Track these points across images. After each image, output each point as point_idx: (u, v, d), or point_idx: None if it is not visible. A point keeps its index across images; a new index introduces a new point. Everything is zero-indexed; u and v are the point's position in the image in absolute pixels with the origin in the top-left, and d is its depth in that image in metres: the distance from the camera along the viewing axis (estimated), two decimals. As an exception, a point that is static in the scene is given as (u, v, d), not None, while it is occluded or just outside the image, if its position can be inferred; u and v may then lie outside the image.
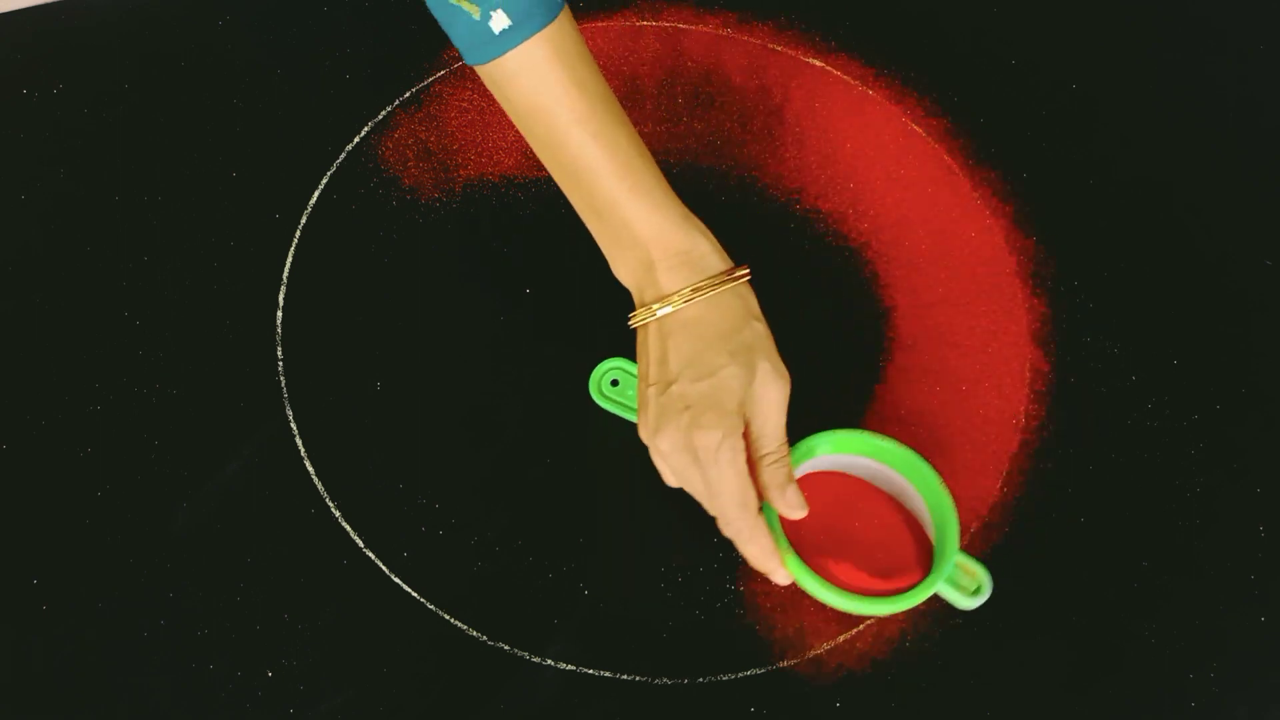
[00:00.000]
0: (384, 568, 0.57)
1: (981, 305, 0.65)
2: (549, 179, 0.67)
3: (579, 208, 0.56)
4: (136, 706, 0.53)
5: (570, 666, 0.55)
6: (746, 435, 0.52)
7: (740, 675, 0.55)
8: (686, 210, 0.54)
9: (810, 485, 0.56)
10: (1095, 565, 0.58)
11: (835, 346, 0.64)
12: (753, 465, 0.52)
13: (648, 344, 0.54)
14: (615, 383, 0.61)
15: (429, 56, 0.71)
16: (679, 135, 0.69)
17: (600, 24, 0.73)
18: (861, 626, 0.56)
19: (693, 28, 0.73)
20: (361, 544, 0.57)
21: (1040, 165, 0.70)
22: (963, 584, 0.53)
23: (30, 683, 0.54)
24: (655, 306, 0.53)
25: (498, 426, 0.61)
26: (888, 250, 0.66)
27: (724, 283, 0.53)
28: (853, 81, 0.72)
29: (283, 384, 0.61)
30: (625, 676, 0.55)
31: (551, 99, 0.52)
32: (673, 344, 0.52)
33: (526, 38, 0.50)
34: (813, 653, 0.56)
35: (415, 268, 0.65)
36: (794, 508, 0.53)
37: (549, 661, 0.55)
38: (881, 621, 0.56)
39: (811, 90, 0.71)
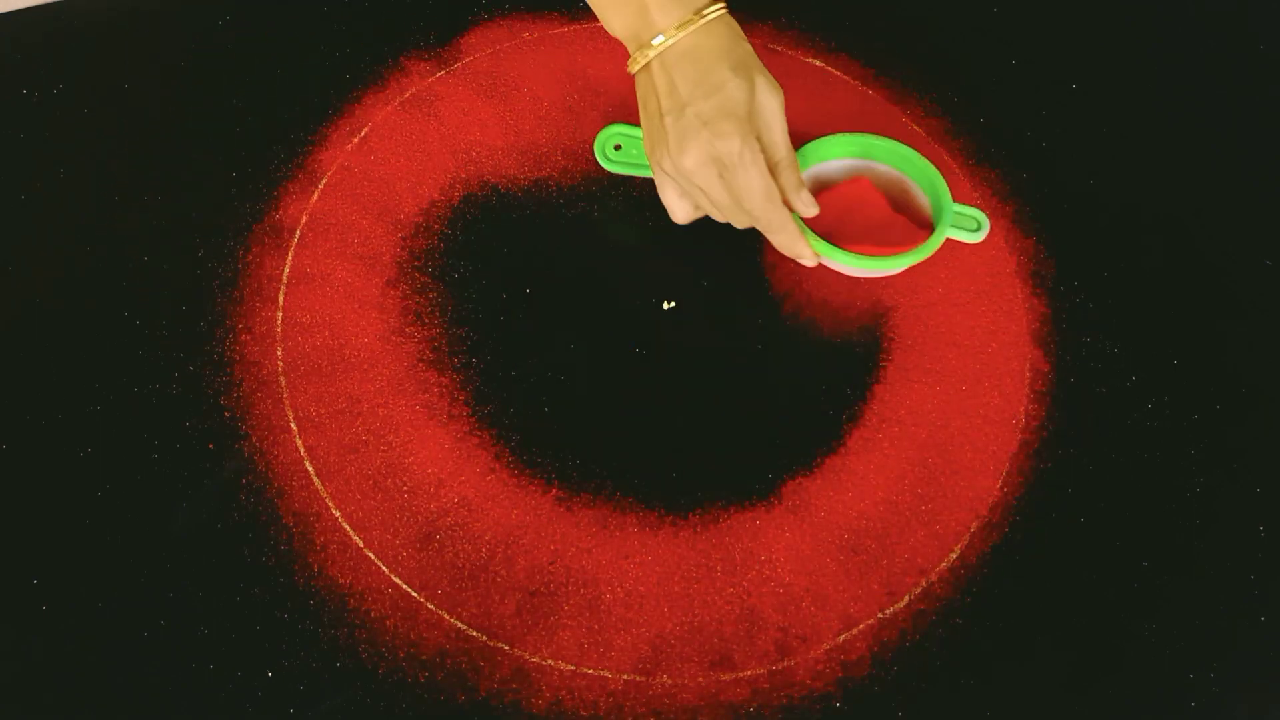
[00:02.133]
0: (384, 568, 0.57)
1: (981, 305, 0.65)
2: (549, 179, 0.68)
3: None
4: (136, 706, 0.53)
5: (570, 666, 0.55)
6: (760, 144, 0.58)
7: (740, 675, 0.55)
8: None
9: (812, 189, 0.63)
10: (1095, 565, 0.58)
11: (835, 346, 0.64)
12: (770, 171, 0.58)
13: (653, 81, 0.58)
14: (618, 147, 0.66)
15: (429, 56, 0.71)
16: (679, 135, 0.69)
17: (601, 24, 0.73)
18: (862, 626, 0.56)
19: (693, 28, 0.73)
20: (361, 544, 0.57)
21: (1040, 165, 0.70)
22: (965, 226, 0.64)
23: (30, 683, 0.54)
24: (654, 41, 0.58)
25: (500, 428, 0.61)
26: (888, 250, 0.66)
27: (712, 11, 0.57)
28: (853, 81, 0.72)
29: (283, 384, 0.61)
30: (625, 677, 0.55)
31: None
32: (678, 72, 0.57)
33: None
34: (813, 653, 0.56)
35: (415, 268, 0.65)
36: (808, 206, 0.60)
37: (549, 661, 0.55)
38: (882, 622, 0.57)
39: (811, 90, 0.71)
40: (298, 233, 0.65)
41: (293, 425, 0.60)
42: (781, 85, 0.58)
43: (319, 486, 0.59)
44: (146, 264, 0.64)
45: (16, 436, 0.59)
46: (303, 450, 0.59)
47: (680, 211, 0.62)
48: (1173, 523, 0.60)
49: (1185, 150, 0.71)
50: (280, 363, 0.62)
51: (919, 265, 0.66)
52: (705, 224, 0.65)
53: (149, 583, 0.56)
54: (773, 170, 0.59)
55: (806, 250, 0.61)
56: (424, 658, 0.55)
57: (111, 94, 0.69)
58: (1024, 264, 0.67)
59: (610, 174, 0.67)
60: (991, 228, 0.67)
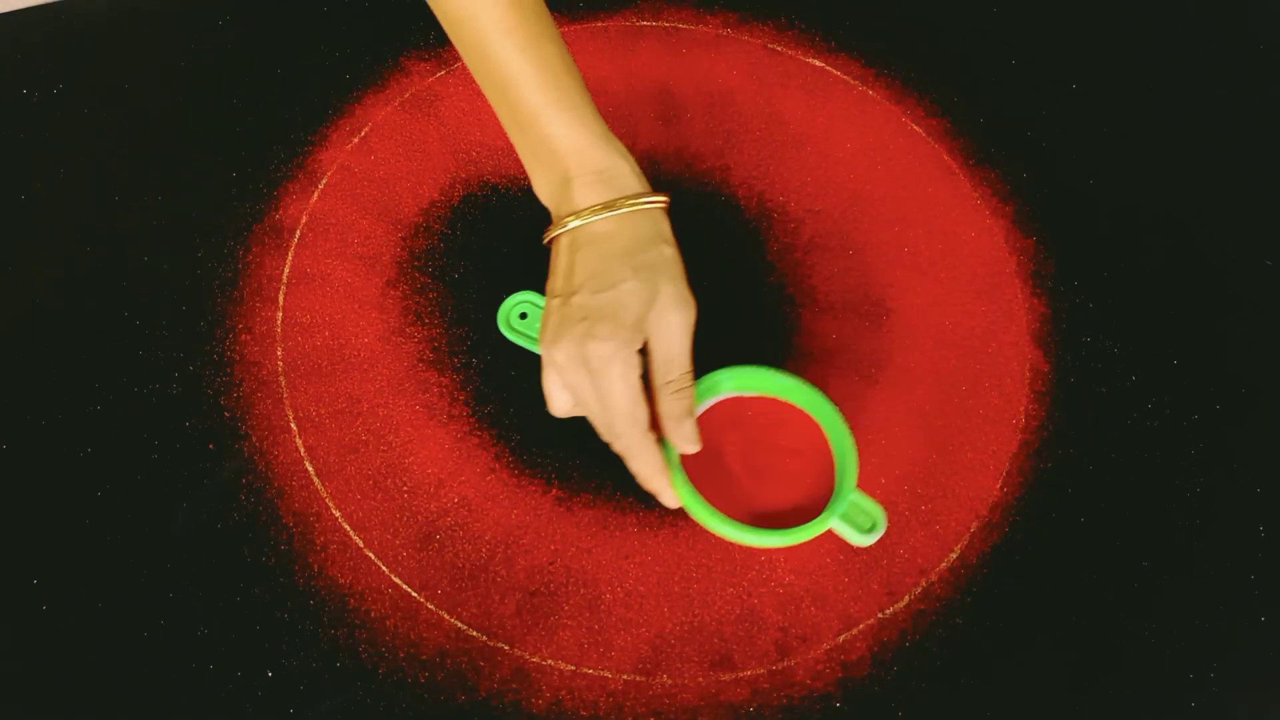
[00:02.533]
0: (384, 568, 0.57)
1: (981, 305, 0.65)
2: (549, 179, 0.68)
3: (503, 121, 0.56)
4: (136, 706, 0.53)
5: (570, 666, 0.55)
6: (650, 359, 0.52)
7: (740, 675, 0.55)
8: (608, 130, 0.55)
9: (714, 416, 0.56)
10: (1095, 565, 0.58)
11: (835, 346, 0.64)
12: (654, 391, 0.52)
13: (558, 258, 0.54)
14: (524, 315, 0.61)
15: (429, 56, 0.71)
16: (678, 136, 0.69)
17: (600, 24, 0.73)
18: (862, 626, 0.56)
19: (693, 28, 0.73)
20: (361, 544, 0.57)
21: (1040, 165, 0.70)
22: (858, 522, 0.53)
23: (30, 683, 0.54)
24: (567, 220, 0.53)
25: (500, 428, 0.61)
26: (888, 250, 0.66)
27: (638, 202, 0.53)
28: (853, 81, 0.72)
29: (283, 384, 0.61)
30: (625, 677, 0.55)
31: (482, 8, 0.53)
32: (580, 257, 0.53)
33: None
34: (813, 653, 0.56)
35: (415, 268, 0.65)
36: (687, 441, 0.52)
37: (549, 661, 0.55)
38: (882, 622, 0.57)
39: (811, 90, 0.71)
40: (298, 233, 0.65)
41: (293, 425, 0.60)
42: (781, 85, 0.57)
43: (319, 486, 0.59)
44: (146, 264, 0.64)
45: (16, 436, 0.59)
46: (303, 450, 0.59)
47: (557, 402, 0.54)
48: (1173, 523, 0.60)
49: (1185, 150, 0.71)
50: (280, 363, 0.62)
51: (918, 265, 0.66)
52: (702, 236, 0.65)
53: (149, 583, 0.56)
54: (657, 391, 0.52)
55: (666, 490, 0.53)
56: (424, 658, 0.55)
57: (111, 94, 0.69)
58: (1024, 264, 0.67)
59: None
60: (991, 228, 0.67)
